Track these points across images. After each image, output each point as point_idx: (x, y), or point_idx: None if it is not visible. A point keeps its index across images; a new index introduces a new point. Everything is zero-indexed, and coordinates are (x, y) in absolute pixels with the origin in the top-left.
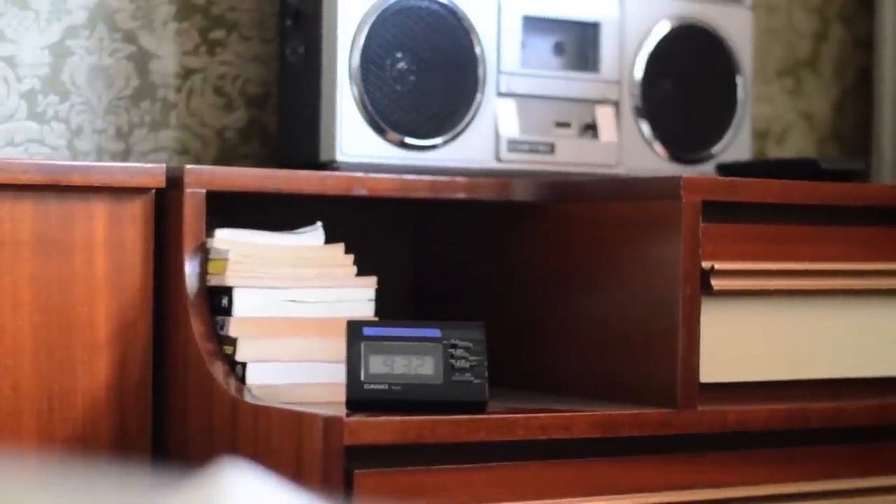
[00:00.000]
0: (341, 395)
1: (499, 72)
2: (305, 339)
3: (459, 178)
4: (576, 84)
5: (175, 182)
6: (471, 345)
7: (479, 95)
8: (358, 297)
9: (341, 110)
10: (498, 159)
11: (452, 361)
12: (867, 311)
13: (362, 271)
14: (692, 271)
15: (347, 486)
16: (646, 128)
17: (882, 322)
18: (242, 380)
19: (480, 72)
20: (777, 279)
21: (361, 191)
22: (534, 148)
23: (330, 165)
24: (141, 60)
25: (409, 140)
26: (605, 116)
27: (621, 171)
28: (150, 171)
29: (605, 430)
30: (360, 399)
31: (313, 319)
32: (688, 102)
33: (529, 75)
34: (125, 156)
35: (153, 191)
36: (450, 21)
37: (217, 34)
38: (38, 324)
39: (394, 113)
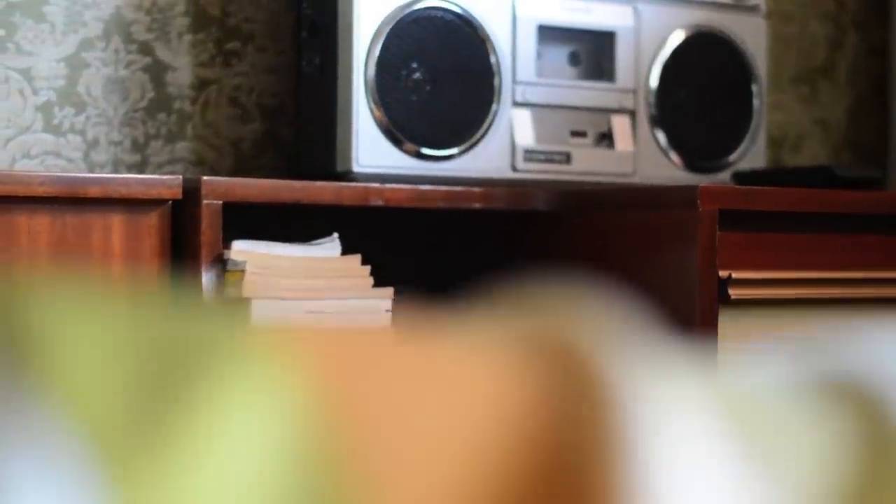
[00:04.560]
0: None
1: (514, 81)
2: None
3: (475, 188)
4: (591, 93)
5: (192, 193)
6: None
7: (494, 105)
8: (375, 308)
9: (357, 121)
10: (514, 169)
11: None
12: (884, 320)
13: (379, 282)
14: (709, 280)
15: None
16: (661, 137)
17: None
18: None
19: (496, 81)
20: (793, 288)
21: (378, 201)
22: (549, 157)
23: (346, 176)
24: (156, 72)
25: (424, 150)
26: (620, 125)
27: (637, 180)
28: (166, 182)
29: None
30: None
31: None
32: (703, 111)
33: (545, 85)
34: (141, 167)
35: (170, 202)
36: (465, 31)
37: (232, 45)
38: None
39: (410, 123)
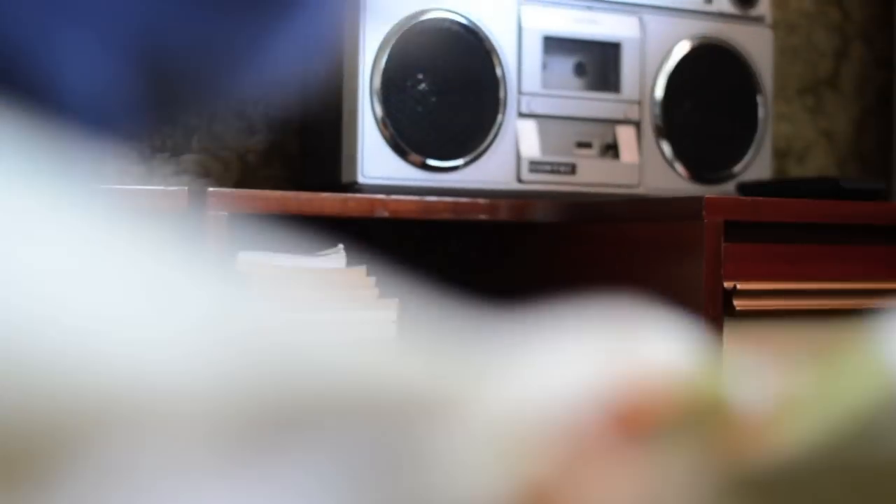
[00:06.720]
0: None
1: (520, 92)
2: None
3: (481, 200)
4: (597, 104)
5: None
6: None
7: (500, 116)
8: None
9: (363, 132)
10: (519, 180)
11: None
12: (890, 332)
13: (384, 293)
14: (714, 291)
15: None
16: (667, 148)
17: None
18: None
19: (501, 93)
20: (799, 299)
21: (383, 213)
22: (555, 168)
23: (351, 187)
24: None
25: (430, 161)
26: (626, 136)
27: (642, 191)
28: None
29: None
30: None
31: None
32: (709, 122)
33: (550, 95)
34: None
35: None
36: (471, 42)
37: None
38: None
39: (415, 134)
